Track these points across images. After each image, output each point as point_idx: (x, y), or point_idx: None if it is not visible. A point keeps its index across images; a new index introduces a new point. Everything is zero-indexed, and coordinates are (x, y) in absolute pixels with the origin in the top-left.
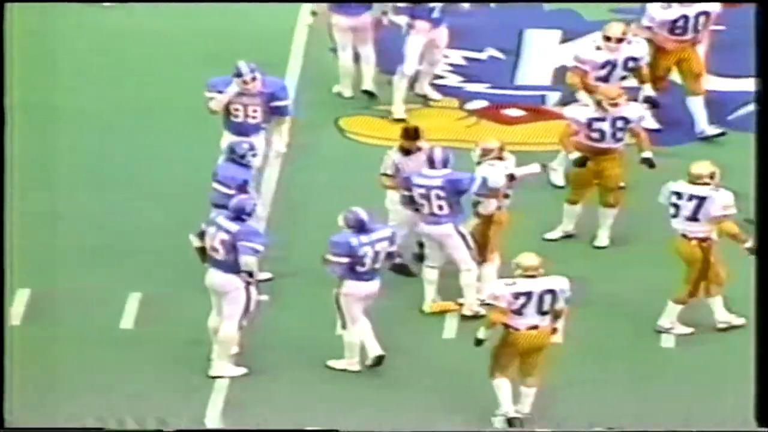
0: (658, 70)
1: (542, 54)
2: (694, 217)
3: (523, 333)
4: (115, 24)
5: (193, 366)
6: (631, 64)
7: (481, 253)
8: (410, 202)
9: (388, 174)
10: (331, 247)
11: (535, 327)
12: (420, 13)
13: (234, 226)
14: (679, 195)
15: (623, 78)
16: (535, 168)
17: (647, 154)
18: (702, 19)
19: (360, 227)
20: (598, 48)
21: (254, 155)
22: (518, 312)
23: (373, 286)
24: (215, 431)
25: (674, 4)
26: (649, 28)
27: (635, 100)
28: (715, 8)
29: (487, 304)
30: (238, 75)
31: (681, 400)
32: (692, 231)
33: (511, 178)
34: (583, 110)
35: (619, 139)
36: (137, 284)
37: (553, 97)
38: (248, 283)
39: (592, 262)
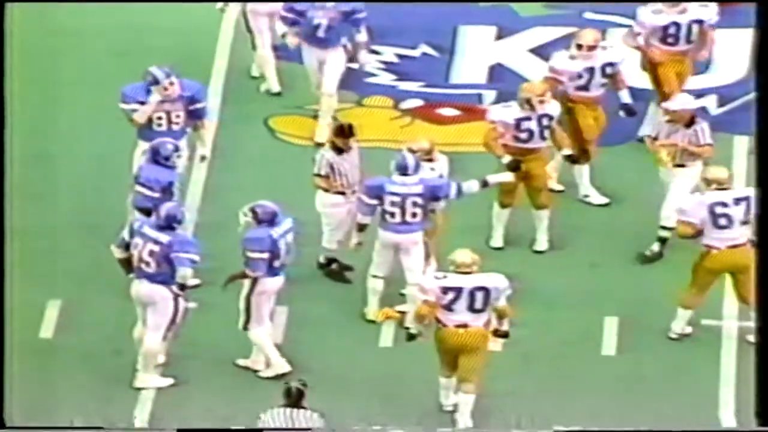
0: (663, 84)
1: (477, 51)
2: (746, 220)
3: (450, 330)
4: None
5: (117, 376)
6: (609, 70)
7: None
8: (370, 210)
9: (321, 174)
10: (251, 245)
11: (464, 325)
12: (307, 37)
13: (164, 237)
14: (723, 204)
15: (603, 85)
16: (507, 176)
17: (566, 151)
18: (695, 28)
19: (272, 220)
20: (572, 57)
21: (179, 156)
22: (448, 308)
23: (282, 280)
24: (216, 431)
25: (664, 10)
26: (638, 34)
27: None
28: (709, 15)
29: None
30: (155, 82)
31: (622, 406)
32: (745, 234)
33: (484, 184)
34: (508, 111)
35: (545, 138)
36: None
37: (490, 95)
38: (177, 295)
39: (531, 266)
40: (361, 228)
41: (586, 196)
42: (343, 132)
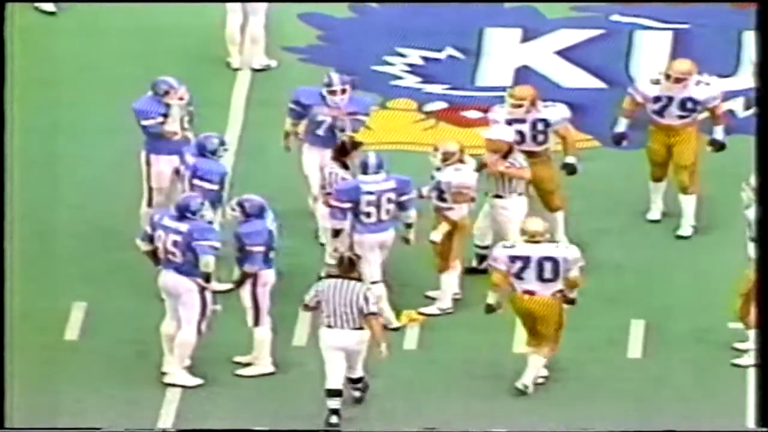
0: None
1: (503, 53)
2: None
3: (518, 295)
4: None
5: (142, 377)
6: (689, 104)
7: (444, 260)
8: (345, 215)
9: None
10: (252, 239)
11: (531, 292)
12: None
13: (184, 226)
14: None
15: (682, 116)
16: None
17: (570, 159)
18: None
19: (261, 213)
20: (656, 82)
21: (225, 150)
22: (518, 276)
23: (273, 272)
24: (217, 431)
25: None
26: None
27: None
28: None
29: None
30: (168, 92)
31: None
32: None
33: (420, 196)
34: (502, 112)
35: (540, 142)
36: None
37: None
38: (202, 288)
39: None
40: (337, 234)
41: (677, 228)
42: (345, 149)
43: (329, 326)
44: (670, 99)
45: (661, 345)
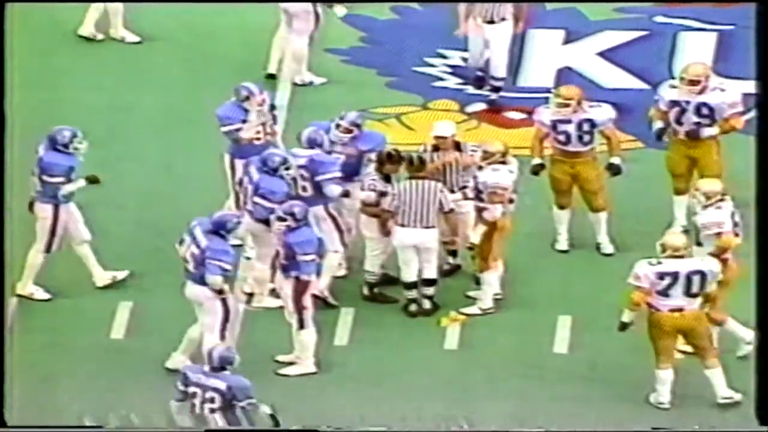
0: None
1: (545, 55)
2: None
3: (665, 315)
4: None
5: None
6: (704, 110)
7: (485, 261)
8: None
9: (369, 203)
10: (303, 248)
11: (679, 309)
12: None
13: (204, 241)
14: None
15: (698, 123)
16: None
17: (615, 159)
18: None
19: (308, 220)
20: (673, 87)
21: (287, 168)
22: (663, 293)
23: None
24: (216, 431)
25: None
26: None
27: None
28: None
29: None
30: (248, 97)
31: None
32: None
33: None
34: (547, 112)
35: (586, 143)
36: (128, 294)
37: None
38: (222, 295)
39: (597, 269)
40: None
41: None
42: (391, 159)
43: (402, 225)
44: (687, 104)
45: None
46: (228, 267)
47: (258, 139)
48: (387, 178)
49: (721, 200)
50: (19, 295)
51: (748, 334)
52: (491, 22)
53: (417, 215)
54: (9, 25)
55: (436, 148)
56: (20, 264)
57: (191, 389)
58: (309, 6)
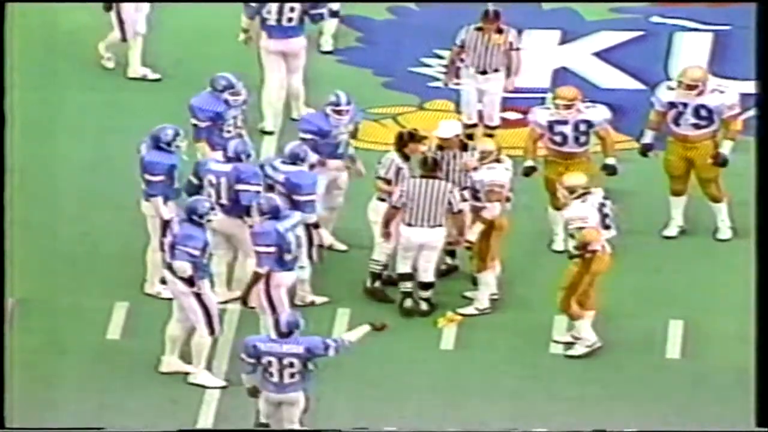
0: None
1: (541, 55)
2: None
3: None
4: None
5: (182, 377)
6: (703, 112)
7: (482, 261)
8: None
9: (386, 178)
10: (258, 239)
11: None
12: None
13: (176, 227)
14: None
15: (697, 125)
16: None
17: (610, 160)
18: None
19: (276, 214)
20: (671, 88)
21: (179, 142)
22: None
23: (295, 275)
24: (215, 431)
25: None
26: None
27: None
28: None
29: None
30: (230, 87)
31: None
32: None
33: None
34: (544, 113)
35: (582, 144)
36: (123, 294)
37: None
38: (193, 288)
39: None
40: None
41: (716, 231)
42: (413, 138)
43: (410, 224)
44: (685, 106)
45: (699, 346)
46: (195, 253)
47: (228, 131)
48: (406, 157)
49: (586, 194)
50: (148, 294)
51: (591, 338)
52: (484, 72)
53: (425, 214)
54: (9, 25)
55: (440, 148)
56: (20, 264)
57: (265, 359)
58: (304, 40)
